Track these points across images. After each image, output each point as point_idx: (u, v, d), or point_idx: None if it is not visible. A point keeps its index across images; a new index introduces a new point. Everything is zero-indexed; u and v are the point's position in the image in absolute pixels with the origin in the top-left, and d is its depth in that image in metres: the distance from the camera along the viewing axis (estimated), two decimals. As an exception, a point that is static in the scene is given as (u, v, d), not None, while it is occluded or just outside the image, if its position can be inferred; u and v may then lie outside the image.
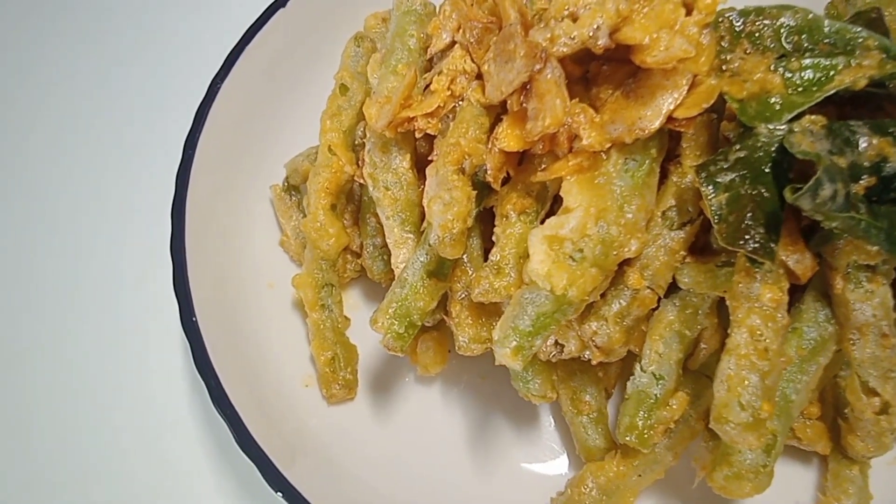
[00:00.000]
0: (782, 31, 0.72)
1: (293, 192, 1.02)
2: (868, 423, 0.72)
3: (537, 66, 0.65)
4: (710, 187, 0.65)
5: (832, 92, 0.65)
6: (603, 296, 0.73)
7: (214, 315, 0.86)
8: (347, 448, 0.87)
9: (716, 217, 0.64)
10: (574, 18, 0.69)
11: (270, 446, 0.76)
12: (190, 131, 0.93)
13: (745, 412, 0.61)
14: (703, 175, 0.66)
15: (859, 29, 0.70)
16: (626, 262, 0.72)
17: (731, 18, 0.73)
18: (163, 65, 1.29)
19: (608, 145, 0.68)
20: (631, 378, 0.75)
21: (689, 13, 0.68)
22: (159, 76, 1.27)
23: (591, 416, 0.81)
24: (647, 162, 0.71)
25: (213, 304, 0.87)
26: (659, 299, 0.73)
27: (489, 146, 0.72)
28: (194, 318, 0.82)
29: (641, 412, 0.74)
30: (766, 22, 0.72)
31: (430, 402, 0.91)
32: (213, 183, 0.95)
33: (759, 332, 0.64)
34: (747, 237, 0.62)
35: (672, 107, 0.68)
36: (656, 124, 0.68)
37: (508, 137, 0.70)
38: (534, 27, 0.69)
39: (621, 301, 0.72)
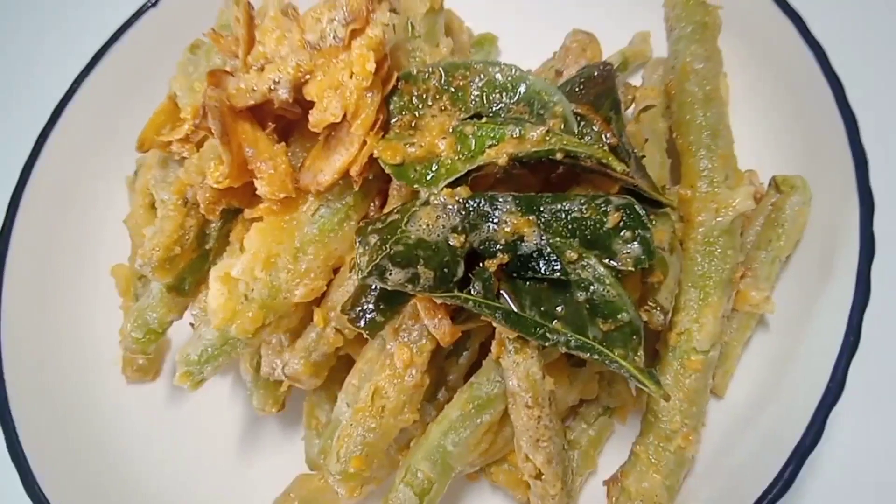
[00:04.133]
0: (487, 87, 0.71)
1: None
2: (533, 485, 0.73)
3: (198, 120, 0.69)
4: (360, 246, 0.68)
5: (481, 164, 0.65)
6: (299, 333, 0.77)
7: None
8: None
9: (360, 280, 0.67)
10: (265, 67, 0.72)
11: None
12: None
13: (339, 464, 0.65)
14: (359, 235, 0.68)
15: (556, 92, 0.68)
16: (316, 302, 0.76)
17: (440, 70, 0.72)
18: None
19: (282, 195, 0.71)
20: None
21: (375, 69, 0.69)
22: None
23: (318, 430, 0.87)
24: (341, 210, 0.74)
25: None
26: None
27: (203, 181, 0.77)
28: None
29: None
30: (472, 77, 0.71)
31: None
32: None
33: (383, 391, 0.67)
34: (359, 311, 0.64)
35: (344, 164, 0.70)
36: (329, 179, 0.70)
37: (212, 176, 0.75)
38: (231, 77, 0.73)
39: (310, 337, 0.76)
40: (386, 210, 0.73)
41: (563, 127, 0.65)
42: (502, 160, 0.63)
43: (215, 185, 0.75)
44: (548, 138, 0.64)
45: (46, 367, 0.97)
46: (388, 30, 0.67)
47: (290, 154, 0.76)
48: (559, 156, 0.63)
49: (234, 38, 0.80)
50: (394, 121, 0.71)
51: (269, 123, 0.75)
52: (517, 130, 0.65)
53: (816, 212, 0.83)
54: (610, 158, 0.63)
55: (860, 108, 0.80)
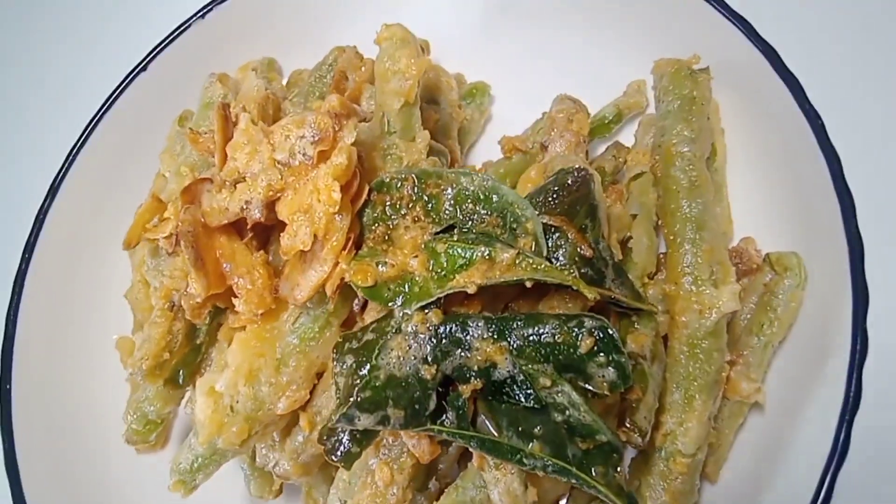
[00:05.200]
0: (460, 197, 0.70)
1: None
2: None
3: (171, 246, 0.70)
4: (337, 365, 0.68)
5: (451, 290, 0.64)
6: (288, 433, 0.79)
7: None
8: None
9: (337, 398, 0.67)
10: (238, 182, 0.72)
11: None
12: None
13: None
14: (336, 352, 0.68)
15: (527, 207, 0.66)
16: (302, 405, 0.77)
17: (412, 177, 0.71)
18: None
19: (261, 311, 0.71)
20: None
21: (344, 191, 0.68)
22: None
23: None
24: (321, 317, 0.74)
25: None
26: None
27: (187, 286, 0.78)
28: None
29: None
30: (444, 186, 0.70)
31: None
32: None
33: (364, 509, 0.68)
34: (335, 442, 0.64)
35: (318, 282, 0.69)
36: (304, 296, 0.70)
37: (194, 287, 0.76)
38: (206, 193, 0.72)
39: (298, 440, 0.77)
40: (366, 315, 0.73)
41: (534, 246, 0.64)
42: (472, 289, 0.62)
43: (196, 300, 0.75)
44: (518, 262, 0.63)
45: (56, 437, 1.01)
46: (354, 152, 0.66)
47: (271, 255, 0.77)
48: (528, 284, 0.62)
49: (211, 138, 0.80)
50: (367, 234, 0.70)
51: (248, 231, 0.75)
52: (487, 251, 0.64)
53: (812, 288, 0.80)
54: (581, 286, 0.61)
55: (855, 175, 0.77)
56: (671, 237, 0.74)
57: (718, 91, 0.92)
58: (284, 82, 1.17)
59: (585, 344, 0.62)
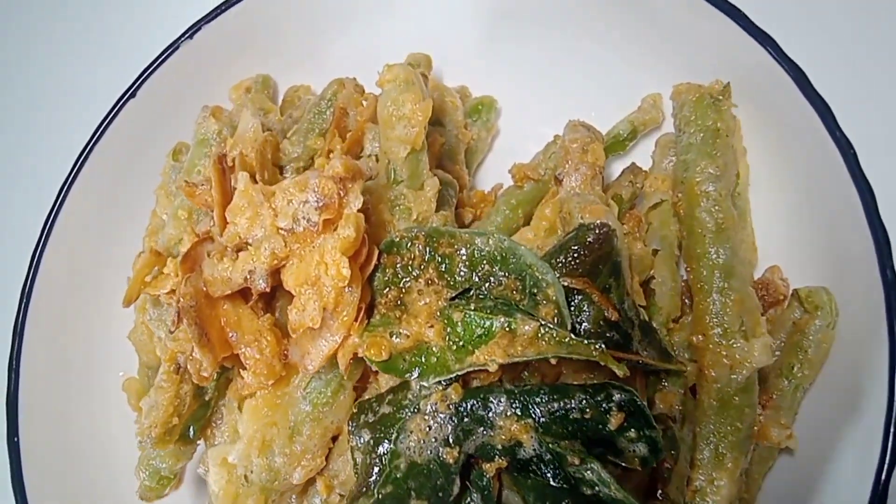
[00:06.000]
0: (474, 257, 0.66)
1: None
2: None
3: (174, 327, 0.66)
4: (353, 439, 0.65)
5: (471, 368, 0.61)
6: (305, 492, 0.77)
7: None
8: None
9: (356, 474, 0.65)
10: (240, 249, 0.68)
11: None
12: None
13: None
14: (352, 423, 0.66)
15: (548, 272, 0.62)
16: (319, 471, 0.75)
17: (423, 236, 0.67)
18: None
19: (271, 381, 0.68)
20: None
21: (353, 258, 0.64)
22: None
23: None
24: (333, 381, 0.71)
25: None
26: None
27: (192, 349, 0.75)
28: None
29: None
30: (458, 246, 0.66)
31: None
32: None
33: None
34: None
35: (329, 351, 0.66)
36: (315, 366, 0.67)
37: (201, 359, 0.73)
38: (207, 258, 0.69)
39: (315, 503, 0.75)
40: (380, 378, 0.70)
41: (556, 316, 0.60)
42: (493, 367, 0.59)
43: (203, 374, 0.72)
44: (541, 335, 0.59)
45: (67, 481, 0.99)
46: (362, 221, 0.62)
47: (277, 312, 0.74)
48: (553, 361, 0.59)
49: (208, 190, 0.75)
50: (378, 298, 0.67)
51: (252, 294, 0.71)
52: (507, 323, 0.60)
53: (843, 325, 0.77)
54: (609, 362, 0.58)
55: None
56: (698, 284, 0.71)
57: (739, 106, 0.86)
58: (280, 99, 1.13)
59: (615, 420, 0.59)
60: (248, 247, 0.66)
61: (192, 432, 0.84)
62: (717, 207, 0.71)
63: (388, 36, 1.09)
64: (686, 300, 0.78)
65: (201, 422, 0.83)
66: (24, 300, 1.00)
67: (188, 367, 0.74)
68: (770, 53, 0.79)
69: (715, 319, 0.68)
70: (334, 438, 0.74)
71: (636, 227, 0.86)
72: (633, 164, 0.91)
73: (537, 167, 0.89)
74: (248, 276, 0.65)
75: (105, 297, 1.08)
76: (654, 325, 0.70)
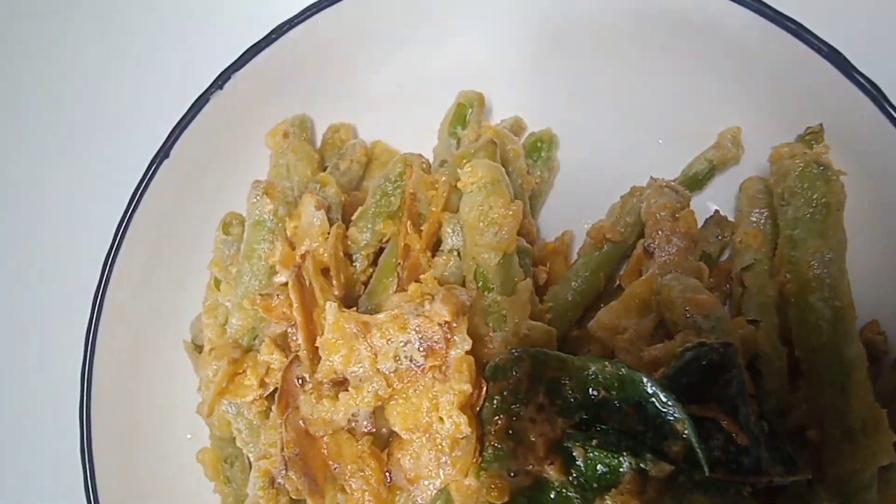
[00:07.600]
0: (588, 383, 0.62)
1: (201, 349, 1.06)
2: None
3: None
4: None
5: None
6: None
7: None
8: None
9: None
10: (338, 383, 0.64)
11: None
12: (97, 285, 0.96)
13: None
14: None
15: (674, 403, 0.59)
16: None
17: (528, 358, 0.63)
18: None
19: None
20: None
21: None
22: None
23: None
24: (440, 497, 0.69)
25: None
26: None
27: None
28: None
29: None
30: (567, 373, 0.62)
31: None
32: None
33: None
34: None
35: (442, 485, 0.64)
36: (426, 500, 0.65)
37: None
38: (303, 393, 0.65)
39: None
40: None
41: (688, 454, 0.57)
42: (623, 520, 0.57)
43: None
44: (678, 480, 0.57)
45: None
46: (473, 367, 0.58)
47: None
48: (691, 509, 0.57)
49: (286, 302, 0.71)
50: (488, 427, 0.64)
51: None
52: (635, 464, 0.58)
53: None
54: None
55: None
56: (813, 378, 0.67)
57: (833, 150, 0.81)
58: (318, 140, 1.06)
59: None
60: (347, 384, 0.63)
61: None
62: (833, 295, 0.67)
63: (431, 68, 1.01)
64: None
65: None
66: (86, 387, 0.97)
67: (286, 484, 0.73)
68: (876, 104, 0.72)
69: (834, 416, 0.66)
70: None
71: (723, 283, 0.83)
72: (718, 212, 0.86)
73: (615, 225, 0.83)
74: (353, 418, 0.62)
75: (165, 366, 1.05)
76: (769, 419, 0.67)
